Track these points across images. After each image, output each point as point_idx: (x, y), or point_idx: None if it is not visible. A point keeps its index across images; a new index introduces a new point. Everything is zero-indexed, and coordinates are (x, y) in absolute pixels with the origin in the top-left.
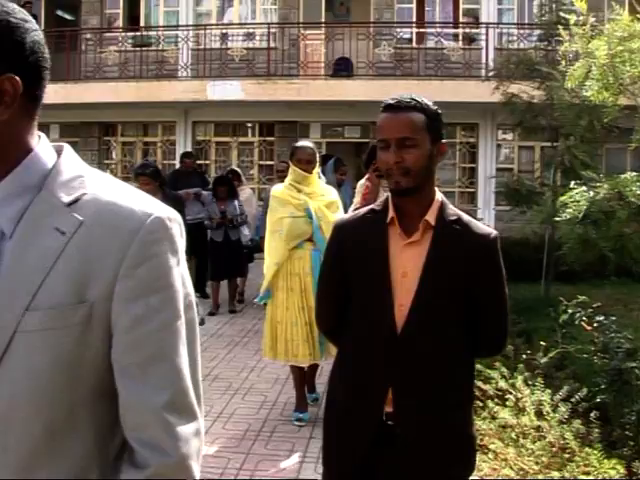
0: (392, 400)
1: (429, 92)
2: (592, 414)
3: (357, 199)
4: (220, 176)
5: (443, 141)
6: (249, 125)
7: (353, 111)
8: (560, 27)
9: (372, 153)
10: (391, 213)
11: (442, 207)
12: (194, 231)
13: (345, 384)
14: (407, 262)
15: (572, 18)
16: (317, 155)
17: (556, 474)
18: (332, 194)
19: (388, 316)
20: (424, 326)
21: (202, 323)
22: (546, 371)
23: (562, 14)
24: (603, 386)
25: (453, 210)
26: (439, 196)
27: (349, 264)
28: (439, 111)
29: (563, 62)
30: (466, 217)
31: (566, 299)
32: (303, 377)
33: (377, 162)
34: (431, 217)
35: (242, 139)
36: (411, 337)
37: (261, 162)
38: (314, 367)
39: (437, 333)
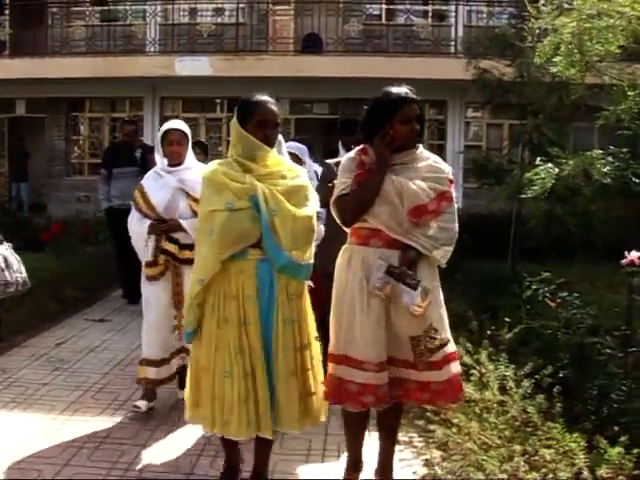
0: None
1: (398, 69)
2: (555, 389)
3: (343, 179)
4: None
5: None
6: (217, 101)
7: (322, 87)
8: (531, 3)
9: (379, 116)
10: None
11: None
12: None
13: None
14: None
15: None
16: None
17: (518, 447)
18: (301, 176)
19: None
20: None
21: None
22: (510, 347)
23: None
24: (566, 361)
25: None
26: None
27: None
28: None
29: (530, 38)
30: None
31: (532, 276)
32: (238, 455)
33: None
34: None
35: (210, 115)
36: None
37: (229, 138)
38: (265, 444)
39: None
